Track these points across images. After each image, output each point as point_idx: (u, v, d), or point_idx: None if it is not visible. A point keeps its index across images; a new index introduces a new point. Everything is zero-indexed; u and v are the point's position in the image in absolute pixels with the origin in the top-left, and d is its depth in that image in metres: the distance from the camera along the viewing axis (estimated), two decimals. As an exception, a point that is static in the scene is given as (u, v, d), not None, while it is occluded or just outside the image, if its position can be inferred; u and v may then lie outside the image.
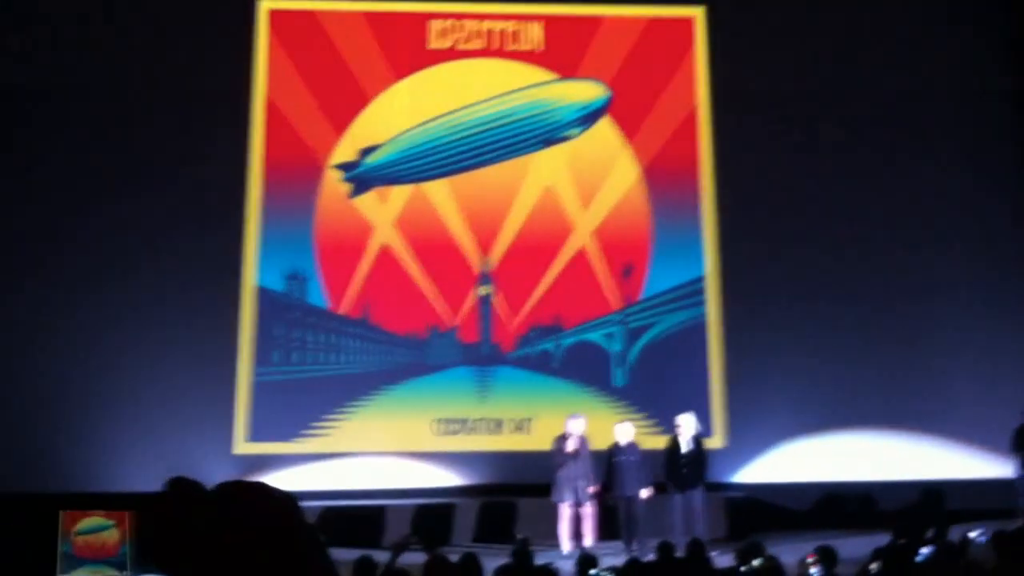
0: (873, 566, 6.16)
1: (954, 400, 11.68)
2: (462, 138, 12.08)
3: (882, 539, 7.69)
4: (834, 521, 10.59)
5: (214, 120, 11.71)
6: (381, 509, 10.57)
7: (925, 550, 5.66)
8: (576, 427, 9.86)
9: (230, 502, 0.76)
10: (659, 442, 10.29)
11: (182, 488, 0.76)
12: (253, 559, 0.74)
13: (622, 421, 10.36)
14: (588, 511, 9.75)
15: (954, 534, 7.63)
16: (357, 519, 10.41)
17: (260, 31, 12.10)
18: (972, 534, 7.02)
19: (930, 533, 7.65)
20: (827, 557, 6.58)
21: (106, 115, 11.61)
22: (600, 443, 9.97)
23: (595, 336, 11.80)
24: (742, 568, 6.40)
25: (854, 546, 7.88)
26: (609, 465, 9.86)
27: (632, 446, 9.93)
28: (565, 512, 9.74)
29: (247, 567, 0.74)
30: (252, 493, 0.78)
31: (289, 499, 0.78)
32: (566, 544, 9.64)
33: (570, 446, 9.70)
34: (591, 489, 9.75)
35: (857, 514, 10.92)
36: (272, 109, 11.92)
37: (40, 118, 11.61)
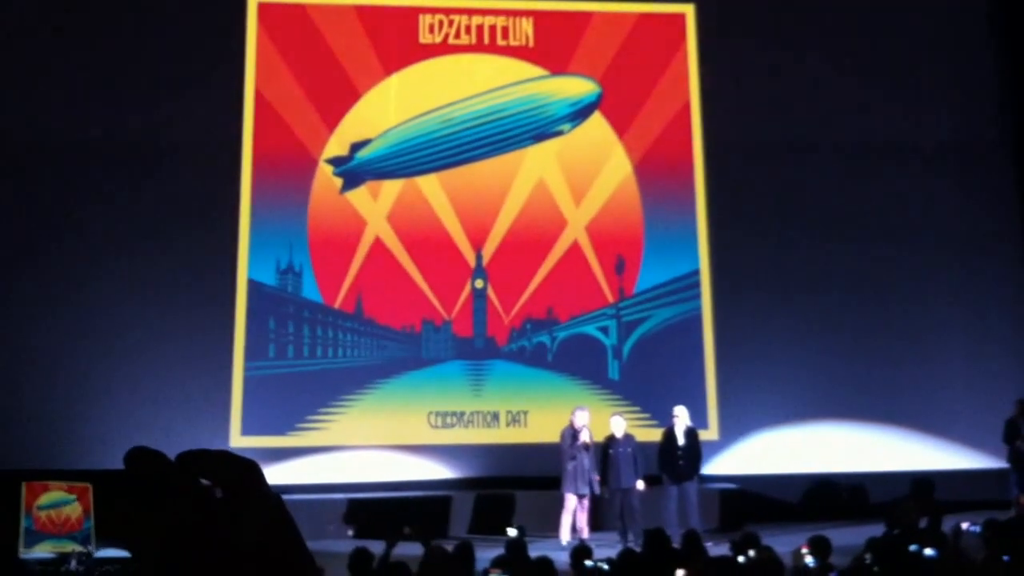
0: (867, 556, 6.23)
1: (946, 392, 11.79)
2: (453, 133, 12.09)
3: (875, 530, 7.76)
4: (827, 512, 10.69)
5: (205, 114, 11.67)
6: (377, 502, 10.61)
7: (931, 553, 5.72)
8: (584, 419, 9.92)
9: (191, 470, 0.77)
10: (654, 435, 10.36)
11: (142, 458, 0.78)
12: (216, 527, 0.76)
13: (616, 414, 10.42)
14: (586, 503, 9.86)
15: (947, 525, 7.70)
16: (353, 512, 10.47)
17: (250, 25, 12.07)
18: (964, 524, 7.10)
19: (923, 523, 7.72)
20: (821, 548, 6.64)
21: (96, 110, 11.57)
22: (596, 436, 10.04)
23: (589, 329, 11.86)
24: (739, 559, 6.45)
25: (847, 536, 7.96)
26: (605, 457, 9.93)
27: (627, 438, 10.01)
28: (572, 503, 9.83)
29: (210, 535, 0.75)
30: (213, 460, 0.79)
31: (251, 465, 0.79)
32: (567, 534, 9.72)
33: (584, 438, 9.77)
34: (596, 479, 9.86)
35: (849, 505, 11.02)
36: (263, 103, 11.88)
37: (31, 111, 11.57)
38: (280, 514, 0.77)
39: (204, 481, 0.76)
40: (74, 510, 3.32)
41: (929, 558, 5.61)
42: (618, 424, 10.10)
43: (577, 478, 9.80)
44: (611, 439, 10.00)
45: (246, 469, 0.77)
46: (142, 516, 0.73)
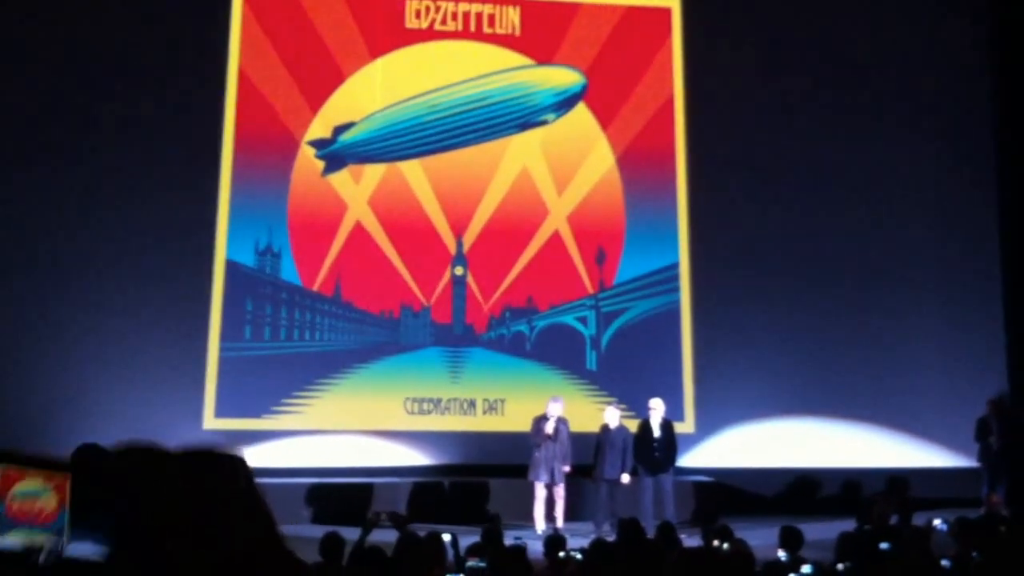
0: (840, 563, 6.26)
1: (921, 390, 11.88)
2: (438, 119, 12.05)
3: (847, 525, 7.82)
4: (801, 506, 10.74)
5: (188, 91, 11.56)
6: (352, 487, 10.58)
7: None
8: (555, 409, 9.95)
9: (178, 467, 0.77)
10: (630, 426, 10.38)
11: (132, 456, 0.77)
12: (195, 524, 0.76)
13: (610, 405, 10.47)
14: (560, 492, 9.87)
15: (918, 522, 7.76)
16: (327, 497, 10.44)
17: (235, 3, 11.95)
18: (936, 521, 7.16)
19: (895, 520, 7.79)
20: (792, 539, 6.67)
21: (78, 87, 11.42)
22: (573, 426, 10.07)
23: (568, 319, 11.87)
24: (714, 543, 6.47)
25: (819, 531, 8.00)
26: (598, 447, 9.98)
27: (620, 429, 10.06)
28: (540, 492, 9.84)
29: (189, 530, 0.76)
30: (199, 459, 0.79)
31: (236, 461, 0.80)
32: (540, 523, 9.73)
33: (548, 428, 9.78)
34: (566, 469, 9.86)
35: (823, 500, 11.10)
36: (246, 83, 11.79)
37: (11, 91, 11.43)
38: (260, 509, 0.77)
39: (187, 474, 0.76)
40: (48, 502, 3.26)
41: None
42: (612, 415, 10.17)
43: (540, 466, 9.84)
44: (605, 429, 10.05)
45: (229, 467, 0.77)
46: (128, 513, 0.73)
